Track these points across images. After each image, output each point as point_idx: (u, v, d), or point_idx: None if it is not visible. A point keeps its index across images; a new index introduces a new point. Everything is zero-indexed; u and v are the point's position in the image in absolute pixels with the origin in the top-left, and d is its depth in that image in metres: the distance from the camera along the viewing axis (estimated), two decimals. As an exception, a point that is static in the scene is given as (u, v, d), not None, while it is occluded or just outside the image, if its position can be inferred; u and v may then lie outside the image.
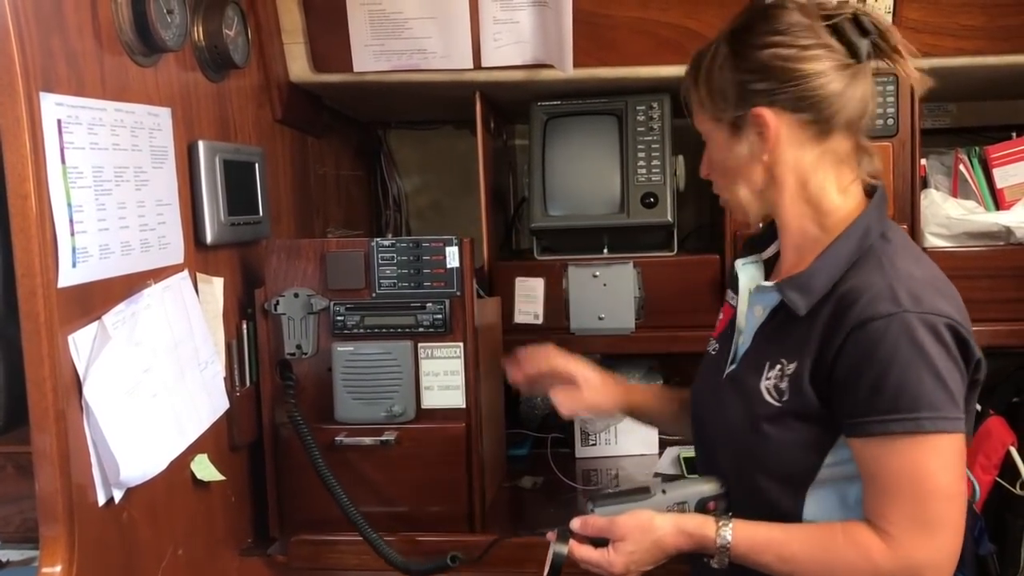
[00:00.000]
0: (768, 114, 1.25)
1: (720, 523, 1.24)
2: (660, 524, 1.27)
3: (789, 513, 1.25)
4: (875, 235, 1.25)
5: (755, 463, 1.27)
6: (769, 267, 1.42)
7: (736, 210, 1.38)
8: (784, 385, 1.23)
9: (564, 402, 1.61)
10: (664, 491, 1.35)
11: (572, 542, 1.32)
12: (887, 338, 1.14)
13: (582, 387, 1.61)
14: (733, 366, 1.35)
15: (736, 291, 1.43)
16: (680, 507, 1.33)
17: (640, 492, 1.36)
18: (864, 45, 1.25)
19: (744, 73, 1.26)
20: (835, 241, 1.26)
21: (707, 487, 1.35)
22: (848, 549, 1.18)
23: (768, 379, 1.26)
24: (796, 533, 1.22)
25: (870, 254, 1.23)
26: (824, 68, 1.23)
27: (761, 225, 1.46)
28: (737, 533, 1.23)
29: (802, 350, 1.22)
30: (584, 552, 1.31)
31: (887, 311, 1.15)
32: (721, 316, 1.49)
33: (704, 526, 1.25)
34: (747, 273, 1.41)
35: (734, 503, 1.32)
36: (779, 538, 1.22)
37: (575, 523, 1.33)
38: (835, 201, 1.29)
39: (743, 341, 1.35)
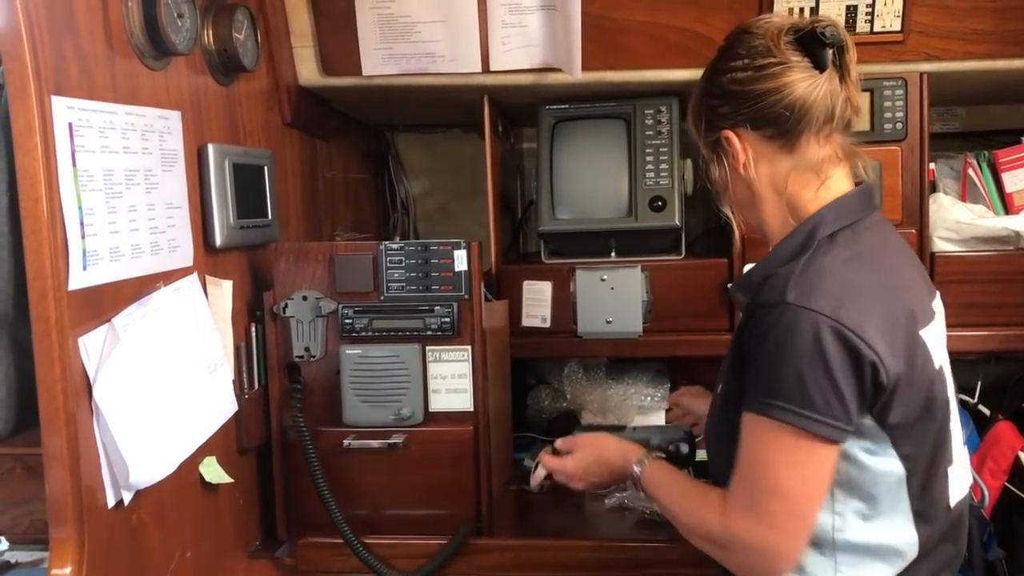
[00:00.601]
0: (731, 136, 1.31)
1: (643, 457, 1.43)
2: (607, 443, 1.52)
3: None
4: (822, 234, 1.27)
5: (716, 454, 1.35)
6: None
7: (737, 223, 1.46)
8: (728, 372, 1.32)
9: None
10: (634, 429, 1.77)
11: (542, 453, 1.62)
12: (764, 325, 1.19)
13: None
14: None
15: None
16: (644, 443, 1.57)
17: (616, 429, 1.68)
18: (827, 55, 1.27)
19: (712, 99, 1.34)
20: (785, 240, 1.30)
21: (672, 433, 1.69)
22: (700, 504, 1.29)
23: (722, 374, 1.35)
24: (684, 483, 1.37)
25: (804, 252, 1.26)
26: (777, 85, 1.26)
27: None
28: (648, 470, 1.41)
29: (737, 341, 1.29)
30: (548, 460, 1.58)
31: (774, 300, 1.19)
32: None
33: (631, 455, 1.45)
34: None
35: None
36: (672, 483, 1.38)
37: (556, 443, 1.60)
38: (810, 208, 1.31)
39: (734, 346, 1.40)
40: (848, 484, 1.23)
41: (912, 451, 1.22)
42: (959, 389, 1.47)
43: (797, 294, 1.17)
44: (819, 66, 1.26)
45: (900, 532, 1.24)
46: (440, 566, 1.73)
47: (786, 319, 1.16)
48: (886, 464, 1.22)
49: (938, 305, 1.36)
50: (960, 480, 1.32)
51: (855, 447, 1.21)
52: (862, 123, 1.99)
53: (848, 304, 1.16)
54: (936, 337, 1.28)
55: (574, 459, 1.54)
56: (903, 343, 1.20)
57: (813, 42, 1.26)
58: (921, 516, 1.24)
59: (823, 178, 1.30)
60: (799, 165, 1.30)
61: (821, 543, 1.25)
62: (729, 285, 1.47)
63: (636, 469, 1.42)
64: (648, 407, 2.29)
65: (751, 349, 1.22)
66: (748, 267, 1.44)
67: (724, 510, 1.23)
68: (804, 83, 1.26)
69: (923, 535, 1.24)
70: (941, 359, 1.28)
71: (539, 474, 1.64)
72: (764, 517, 1.19)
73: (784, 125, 1.28)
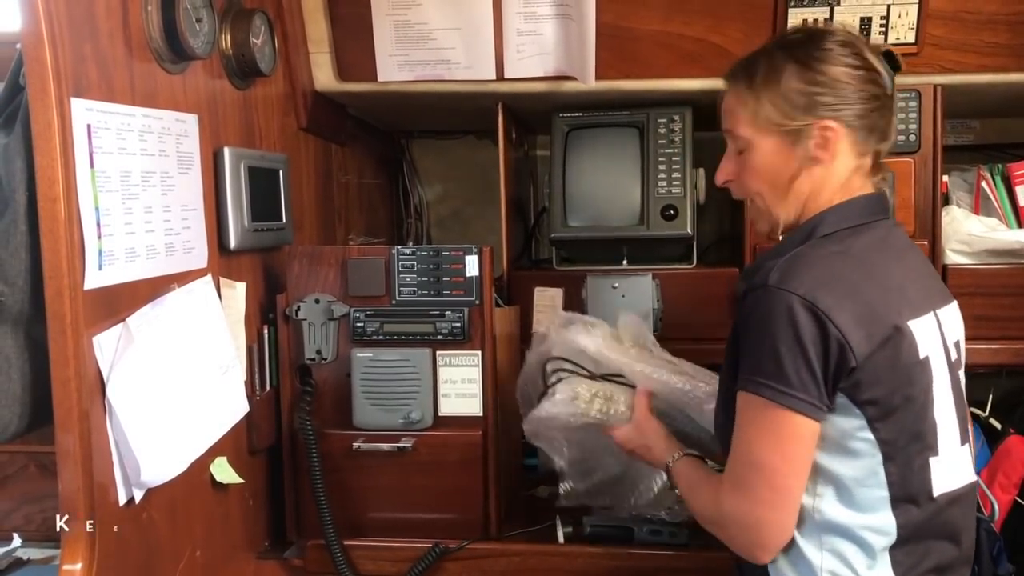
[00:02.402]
0: (835, 126, 1.31)
1: (677, 453, 1.49)
2: (658, 439, 1.55)
3: None
4: (820, 232, 1.32)
5: (724, 440, 1.35)
6: None
7: (763, 218, 1.41)
8: (726, 361, 1.34)
9: None
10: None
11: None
12: (749, 307, 1.25)
13: None
14: None
15: None
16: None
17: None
18: (891, 79, 1.35)
19: (813, 85, 1.31)
20: (791, 234, 1.36)
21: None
22: (706, 489, 1.35)
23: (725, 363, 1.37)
24: (702, 473, 1.43)
25: (811, 241, 1.32)
26: (877, 92, 1.33)
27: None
28: (678, 464, 1.48)
29: (734, 328, 1.32)
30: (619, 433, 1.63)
31: (756, 284, 1.25)
32: None
33: (668, 452, 1.51)
34: None
35: None
36: (691, 474, 1.44)
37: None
38: (821, 208, 1.36)
39: None
40: (826, 465, 1.26)
41: (889, 436, 1.25)
42: (969, 402, 1.47)
43: (779, 278, 1.23)
44: (890, 85, 1.35)
45: (877, 515, 1.26)
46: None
47: (766, 300, 1.22)
48: (862, 447, 1.25)
49: (951, 310, 1.38)
50: (948, 474, 1.32)
51: (832, 428, 1.24)
52: (875, 135, 2.00)
53: (823, 288, 1.21)
54: (930, 330, 1.30)
55: (625, 435, 1.61)
56: (881, 330, 1.23)
57: (892, 62, 1.35)
58: (899, 501, 1.26)
59: (849, 184, 1.35)
60: (859, 169, 1.36)
61: (804, 521, 1.28)
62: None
63: (669, 462, 1.49)
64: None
65: (741, 332, 1.27)
66: (750, 264, 1.46)
67: (719, 488, 1.29)
68: (882, 98, 1.33)
69: (901, 519, 1.26)
70: (929, 351, 1.29)
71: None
72: (749, 493, 1.25)
73: (869, 131, 1.33)
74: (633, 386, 1.65)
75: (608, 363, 1.69)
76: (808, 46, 1.33)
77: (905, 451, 1.26)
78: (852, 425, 1.24)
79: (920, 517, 1.28)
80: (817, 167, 1.33)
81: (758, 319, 1.23)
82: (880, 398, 1.23)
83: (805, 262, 1.26)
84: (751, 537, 1.27)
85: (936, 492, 1.30)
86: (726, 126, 1.40)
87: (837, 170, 1.34)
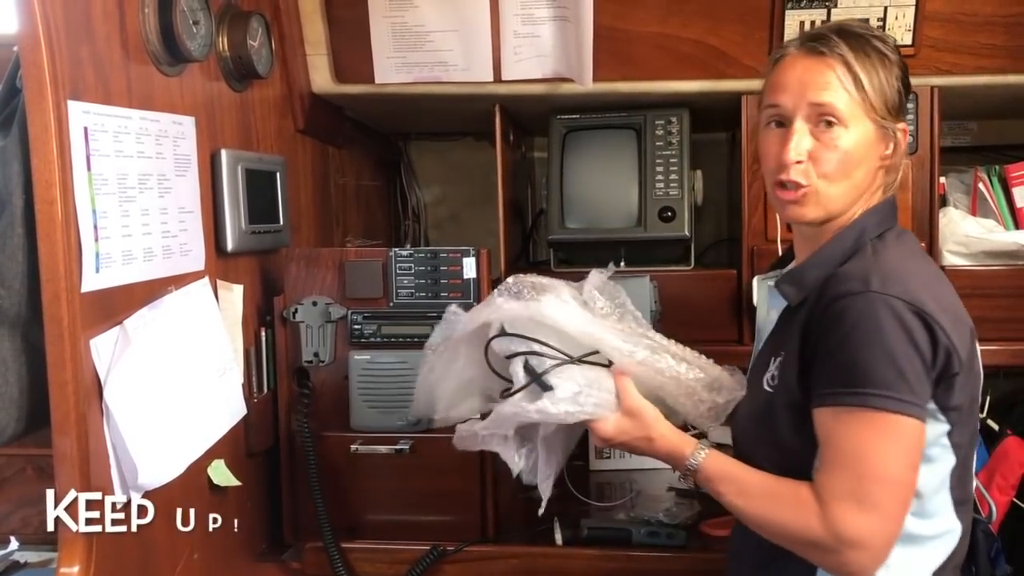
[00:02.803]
0: (907, 132, 1.32)
1: (699, 446, 1.30)
2: (662, 428, 1.33)
3: None
4: (870, 235, 1.29)
5: (761, 457, 1.30)
6: None
7: (820, 205, 1.30)
8: (778, 371, 1.29)
9: None
10: None
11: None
12: (849, 315, 1.18)
13: None
14: (751, 372, 1.41)
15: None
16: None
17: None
18: None
19: (903, 86, 1.31)
20: (831, 239, 1.30)
21: None
22: (792, 504, 1.21)
23: (768, 372, 1.31)
24: (758, 477, 1.27)
25: (862, 250, 1.28)
26: None
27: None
28: (708, 460, 1.29)
29: (791, 337, 1.27)
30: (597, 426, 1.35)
31: (855, 290, 1.19)
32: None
33: (686, 445, 1.31)
34: (763, 287, 1.46)
35: None
36: (742, 475, 1.28)
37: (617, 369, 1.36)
38: (857, 209, 1.34)
39: (760, 346, 1.41)
40: None
41: (961, 440, 1.24)
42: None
43: (879, 283, 1.18)
44: None
45: (946, 520, 1.26)
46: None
47: (872, 307, 1.17)
48: (939, 453, 1.24)
49: None
50: None
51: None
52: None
53: (923, 292, 1.19)
54: None
55: (618, 427, 1.34)
56: (967, 334, 1.23)
57: None
58: (960, 505, 1.27)
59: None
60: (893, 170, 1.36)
61: None
62: (764, 279, 1.41)
63: (693, 461, 1.29)
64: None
65: (827, 342, 1.20)
66: (796, 268, 1.33)
67: (825, 509, 1.18)
68: None
69: (964, 523, 1.27)
70: None
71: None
72: (876, 509, 1.17)
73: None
74: (607, 364, 1.37)
75: (585, 341, 1.37)
76: (886, 42, 1.30)
77: (967, 454, 1.27)
78: (935, 432, 1.22)
79: (970, 519, 1.30)
80: (883, 165, 1.32)
81: (864, 328, 1.17)
82: (963, 403, 1.22)
83: (893, 265, 1.23)
84: (877, 557, 1.19)
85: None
86: (821, 99, 1.26)
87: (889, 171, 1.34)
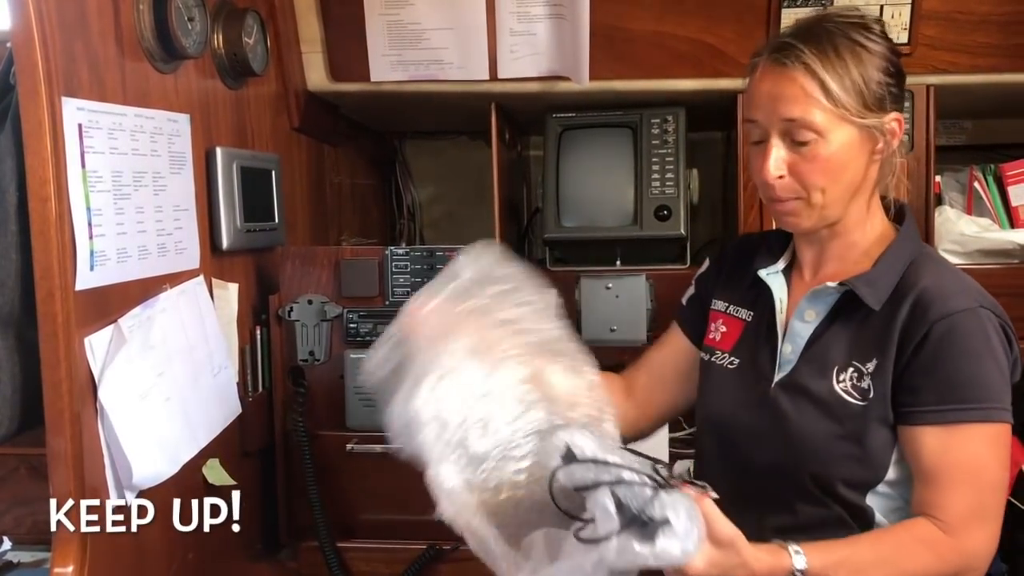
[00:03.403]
0: (901, 117, 1.28)
1: (791, 550, 1.14)
2: (751, 550, 1.11)
3: (857, 517, 1.26)
4: (920, 244, 1.33)
5: (831, 466, 1.25)
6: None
7: (815, 215, 1.27)
8: (867, 384, 1.25)
9: None
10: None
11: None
12: (965, 331, 1.19)
13: None
14: (782, 374, 1.32)
15: (742, 303, 1.43)
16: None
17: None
18: None
19: (889, 76, 1.25)
20: (893, 246, 1.30)
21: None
22: (916, 548, 1.19)
23: (842, 381, 1.26)
24: (863, 544, 1.20)
25: (923, 257, 1.29)
26: None
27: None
28: (811, 559, 1.14)
29: (882, 347, 1.24)
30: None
31: (967, 306, 1.20)
32: (724, 328, 1.45)
33: (780, 556, 1.13)
34: (777, 282, 1.40)
35: (792, 522, 1.26)
36: (847, 553, 1.17)
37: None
38: (880, 213, 1.35)
39: (790, 348, 1.33)
40: None
41: None
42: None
43: (980, 297, 1.23)
44: None
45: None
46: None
47: (982, 322, 1.20)
48: None
49: None
50: None
51: None
52: (868, 135, 2.00)
53: (995, 304, 1.25)
54: None
55: (711, 560, 1.06)
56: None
57: None
58: None
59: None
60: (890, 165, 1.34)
61: None
62: (833, 284, 1.30)
63: (798, 568, 1.13)
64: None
65: (940, 359, 1.20)
66: (868, 273, 1.28)
67: (956, 537, 1.18)
68: None
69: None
70: None
71: None
72: (993, 519, 1.21)
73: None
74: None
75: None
76: (875, 33, 1.25)
77: None
78: None
79: None
80: (878, 159, 1.28)
81: (977, 343, 1.19)
82: None
83: (967, 278, 1.27)
84: (986, 561, 1.22)
85: None
86: (789, 114, 1.22)
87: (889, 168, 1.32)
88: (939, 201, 2.12)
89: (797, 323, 1.33)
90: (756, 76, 1.27)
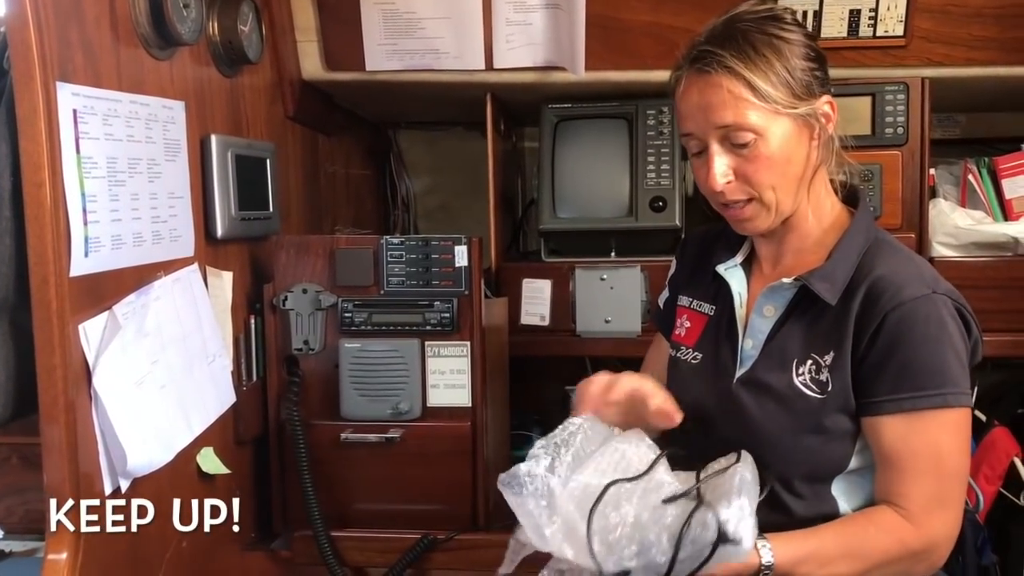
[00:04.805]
0: (832, 100, 1.28)
1: (758, 544, 1.16)
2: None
3: (819, 507, 1.27)
4: (874, 229, 1.33)
5: (793, 460, 1.27)
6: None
7: (769, 213, 1.28)
8: (824, 376, 1.26)
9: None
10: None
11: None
12: (919, 318, 1.20)
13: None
14: (743, 370, 1.33)
15: (704, 297, 1.44)
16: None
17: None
18: None
19: (813, 61, 1.25)
20: (846, 236, 1.30)
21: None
22: (879, 536, 1.21)
23: (801, 375, 1.27)
24: (828, 535, 1.23)
25: (877, 245, 1.29)
26: None
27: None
28: (777, 551, 1.17)
29: (838, 340, 1.25)
30: None
31: (919, 293, 1.21)
32: (688, 324, 1.46)
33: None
34: (736, 277, 1.40)
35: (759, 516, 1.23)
36: (814, 546, 1.21)
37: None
38: (829, 199, 1.35)
39: (751, 344, 1.34)
40: None
41: None
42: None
43: (933, 283, 1.23)
44: None
45: None
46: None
47: (937, 308, 1.21)
48: None
49: None
50: None
51: None
52: (863, 127, 2.01)
53: (952, 289, 1.25)
54: None
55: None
56: None
57: None
58: None
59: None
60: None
61: None
62: (788, 280, 1.29)
63: (766, 562, 1.16)
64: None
65: (896, 348, 1.20)
66: (823, 267, 1.27)
67: (917, 523, 1.21)
68: None
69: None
70: None
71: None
72: (954, 504, 1.23)
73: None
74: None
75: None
76: (792, 25, 1.26)
77: None
78: None
79: None
80: (818, 145, 1.27)
81: (935, 329, 1.20)
82: None
83: (923, 263, 1.28)
84: (947, 549, 1.24)
85: None
86: (723, 121, 1.22)
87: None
88: (933, 194, 2.13)
89: (757, 319, 1.34)
90: (681, 90, 1.28)
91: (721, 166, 1.25)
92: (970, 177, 2.11)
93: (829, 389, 1.25)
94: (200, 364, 1.60)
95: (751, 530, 1.10)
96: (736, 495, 1.11)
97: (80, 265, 1.28)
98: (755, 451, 1.26)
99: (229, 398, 1.71)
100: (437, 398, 1.81)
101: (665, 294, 1.58)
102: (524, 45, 2.01)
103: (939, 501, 1.21)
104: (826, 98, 1.27)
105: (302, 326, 1.81)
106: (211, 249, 1.69)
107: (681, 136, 1.31)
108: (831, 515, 1.27)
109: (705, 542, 1.08)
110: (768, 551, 1.17)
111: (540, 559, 1.23)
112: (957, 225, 2.02)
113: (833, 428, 1.25)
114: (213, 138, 1.67)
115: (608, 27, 1.98)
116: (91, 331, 1.31)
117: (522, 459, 2.04)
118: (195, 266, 1.61)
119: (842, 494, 1.28)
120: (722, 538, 1.08)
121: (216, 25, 1.72)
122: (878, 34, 1.95)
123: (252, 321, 1.83)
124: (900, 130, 2.00)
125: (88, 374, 1.31)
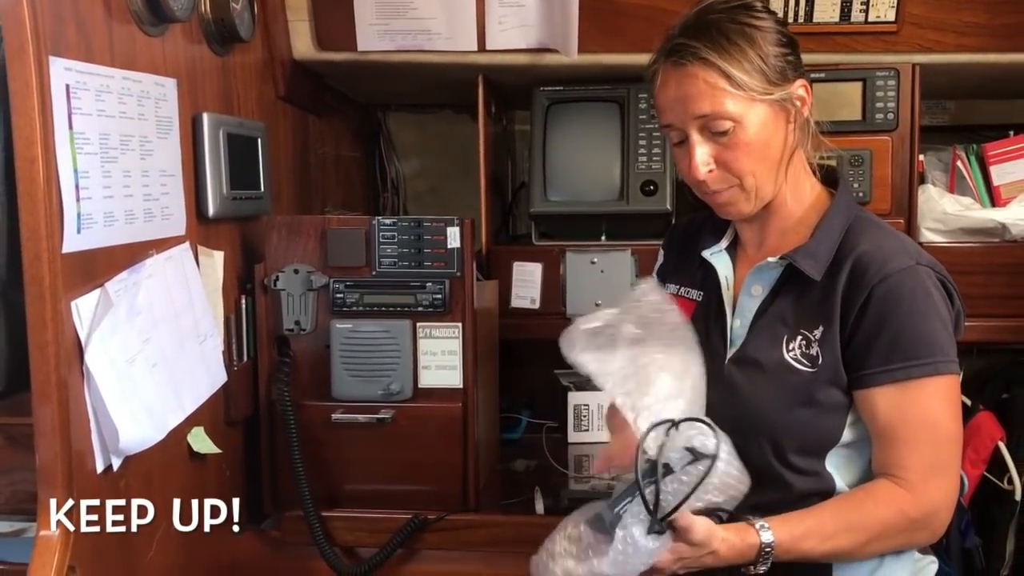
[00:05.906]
0: (806, 83, 1.30)
1: (757, 526, 1.19)
2: (718, 533, 1.17)
3: (816, 484, 1.28)
4: (855, 207, 1.35)
5: (787, 434, 1.27)
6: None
7: (751, 198, 1.30)
8: (815, 351, 1.27)
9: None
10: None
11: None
12: (905, 289, 1.22)
13: None
14: (734, 349, 1.34)
15: (691, 284, 1.44)
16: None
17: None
18: None
19: (786, 47, 1.27)
20: (827, 214, 1.32)
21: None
22: (878, 508, 1.22)
23: (792, 350, 1.29)
24: (827, 512, 1.24)
25: (859, 221, 1.32)
26: None
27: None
28: (777, 532, 1.19)
29: (827, 315, 1.26)
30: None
31: (904, 264, 1.23)
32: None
33: (746, 534, 1.19)
34: (722, 261, 1.41)
35: (757, 497, 1.25)
36: (814, 523, 1.22)
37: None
38: (808, 180, 1.36)
39: (740, 323, 1.35)
40: None
41: None
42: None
43: (917, 254, 1.26)
44: None
45: None
46: (387, 557, 1.76)
47: (921, 279, 1.23)
48: None
49: None
50: None
51: None
52: (854, 112, 2.02)
53: (934, 262, 1.28)
54: None
55: (676, 552, 1.16)
56: None
57: None
58: None
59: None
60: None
61: None
62: (774, 259, 1.31)
63: (766, 542, 1.18)
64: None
65: (885, 319, 1.22)
66: (806, 244, 1.29)
67: (915, 492, 1.22)
68: None
69: None
70: None
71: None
72: (950, 471, 1.25)
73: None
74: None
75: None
76: (762, 12, 1.28)
77: None
78: None
79: None
80: (795, 128, 1.29)
81: (922, 299, 1.22)
82: None
83: (905, 236, 1.32)
84: (947, 515, 1.25)
85: None
86: (701, 111, 1.24)
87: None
88: (922, 180, 2.14)
89: (745, 298, 1.36)
90: (659, 83, 1.30)
91: (702, 155, 1.27)
92: (958, 163, 2.13)
93: (820, 363, 1.27)
94: (191, 343, 1.60)
95: (724, 446, 1.16)
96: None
97: (73, 241, 1.28)
98: (750, 428, 1.27)
99: (220, 378, 1.71)
100: (428, 379, 1.81)
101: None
102: (517, 27, 2.01)
103: (936, 468, 1.23)
104: (800, 82, 1.29)
105: (293, 306, 1.81)
106: (202, 228, 1.69)
107: (661, 127, 1.33)
108: (828, 492, 1.27)
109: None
110: (768, 532, 1.19)
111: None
112: (945, 211, 2.03)
113: (825, 401, 1.27)
114: (205, 116, 1.66)
115: (601, 9, 1.98)
116: (83, 308, 1.31)
117: (511, 441, 2.02)
118: (187, 245, 1.61)
119: (836, 469, 1.28)
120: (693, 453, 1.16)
121: (208, 3, 1.70)
122: (870, 19, 1.96)
123: (243, 301, 1.83)
124: (891, 116, 2.01)
125: (80, 351, 1.31)
